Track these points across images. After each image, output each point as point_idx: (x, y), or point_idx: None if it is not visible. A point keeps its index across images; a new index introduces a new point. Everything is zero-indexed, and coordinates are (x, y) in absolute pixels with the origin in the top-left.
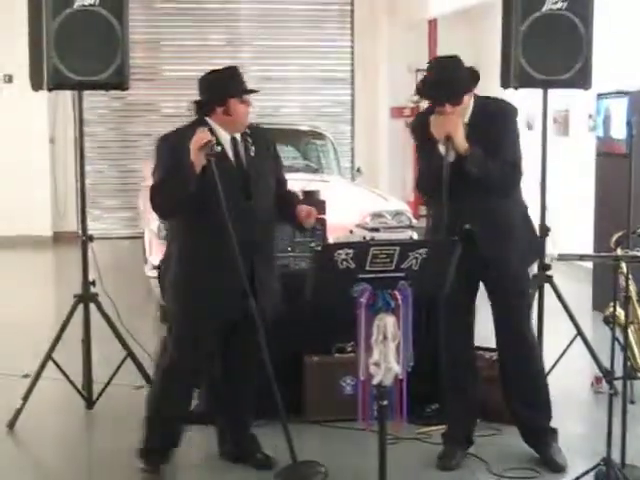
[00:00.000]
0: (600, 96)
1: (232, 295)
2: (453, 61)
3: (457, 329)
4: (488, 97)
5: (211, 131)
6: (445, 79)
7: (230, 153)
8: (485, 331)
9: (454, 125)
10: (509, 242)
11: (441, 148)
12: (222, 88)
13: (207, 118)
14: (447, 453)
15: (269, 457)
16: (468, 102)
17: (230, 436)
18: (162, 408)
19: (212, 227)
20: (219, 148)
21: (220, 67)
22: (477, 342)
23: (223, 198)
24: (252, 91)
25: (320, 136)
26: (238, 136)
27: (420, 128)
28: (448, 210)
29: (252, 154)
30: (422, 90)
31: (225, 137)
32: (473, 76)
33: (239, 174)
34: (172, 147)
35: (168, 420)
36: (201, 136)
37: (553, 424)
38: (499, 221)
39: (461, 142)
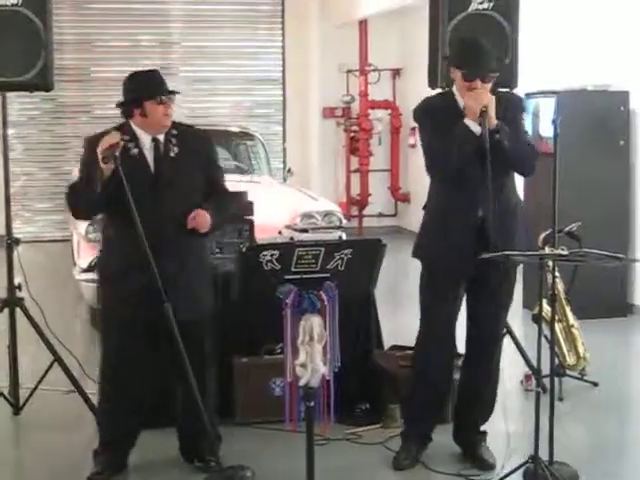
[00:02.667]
0: (528, 95)
1: (139, 295)
2: (485, 41)
3: (445, 319)
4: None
5: (131, 133)
6: (486, 54)
7: (149, 155)
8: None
9: (489, 98)
10: (513, 230)
11: (470, 123)
12: (137, 90)
13: (130, 120)
14: (403, 452)
15: (209, 463)
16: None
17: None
18: (106, 408)
19: (122, 228)
20: (136, 150)
21: (142, 69)
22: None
23: (132, 199)
24: (170, 92)
25: (250, 137)
26: (161, 137)
27: (434, 110)
28: (459, 192)
29: (172, 154)
30: (460, 60)
31: (146, 138)
32: (500, 63)
33: (153, 175)
34: (92, 149)
35: (112, 416)
36: (106, 140)
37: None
38: (509, 212)
39: (493, 116)
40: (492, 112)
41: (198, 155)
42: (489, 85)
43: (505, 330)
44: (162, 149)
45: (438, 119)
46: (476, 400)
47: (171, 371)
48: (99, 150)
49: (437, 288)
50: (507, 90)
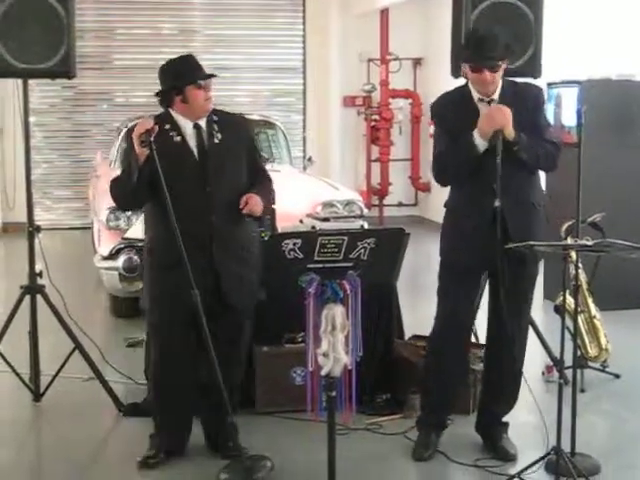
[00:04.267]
0: (550, 85)
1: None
2: (498, 28)
3: (461, 308)
4: (513, 79)
5: (172, 121)
6: (490, 41)
7: (192, 141)
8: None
9: (505, 118)
10: (533, 224)
11: (477, 137)
12: (176, 76)
13: (169, 109)
14: (421, 442)
15: (237, 448)
16: (499, 77)
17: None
18: (159, 394)
19: (168, 217)
20: (179, 138)
21: (176, 56)
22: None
23: (170, 186)
24: (209, 76)
25: (271, 125)
26: (203, 123)
27: (446, 110)
28: (475, 185)
29: (216, 141)
30: (466, 51)
31: (187, 125)
32: (509, 50)
33: (199, 161)
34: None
35: (165, 402)
36: (140, 125)
37: None
38: (527, 202)
39: (511, 131)
40: (509, 128)
41: (240, 141)
42: (498, 74)
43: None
44: (206, 135)
45: (452, 117)
46: (499, 392)
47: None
48: (135, 135)
49: (454, 278)
50: (526, 81)
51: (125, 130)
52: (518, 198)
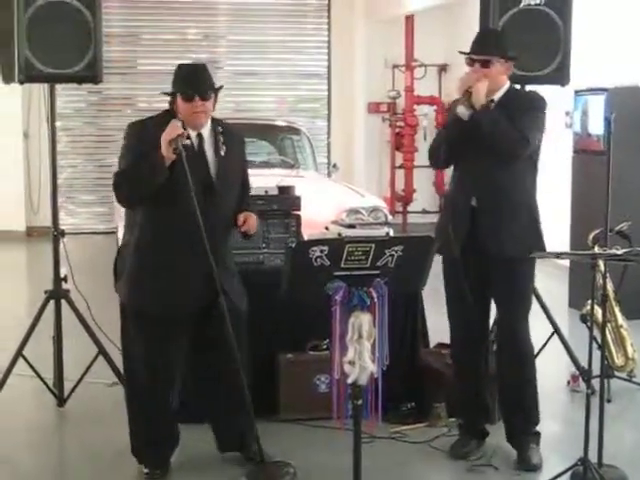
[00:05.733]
0: (578, 93)
1: (185, 289)
2: (498, 30)
3: (459, 310)
4: (523, 89)
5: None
6: (485, 37)
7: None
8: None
9: (477, 79)
10: (508, 226)
11: (460, 108)
12: (173, 83)
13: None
14: (460, 441)
15: (255, 454)
16: (497, 76)
17: (215, 432)
18: (139, 408)
19: (172, 220)
20: (188, 141)
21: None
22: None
23: (190, 192)
24: (189, 92)
25: (296, 131)
26: (206, 133)
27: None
28: (458, 179)
29: (222, 153)
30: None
31: (191, 133)
32: (510, 55)
33: (203, 172)
34: (140, 135)
35: (146, 418)
36: (172, 128)
37: None
38: (503, 203)
39: (480, 97)
40: (479, 94)
41: (239, 155)
42: (490, 70)
43: (553, 330)
44: (210, 146)
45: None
46: (511, 405)
47: (207, 371)
48: (165, 138)
49: (446, 277)
50: (531, 90)
51: (127, 127)
52: (493, 193)
